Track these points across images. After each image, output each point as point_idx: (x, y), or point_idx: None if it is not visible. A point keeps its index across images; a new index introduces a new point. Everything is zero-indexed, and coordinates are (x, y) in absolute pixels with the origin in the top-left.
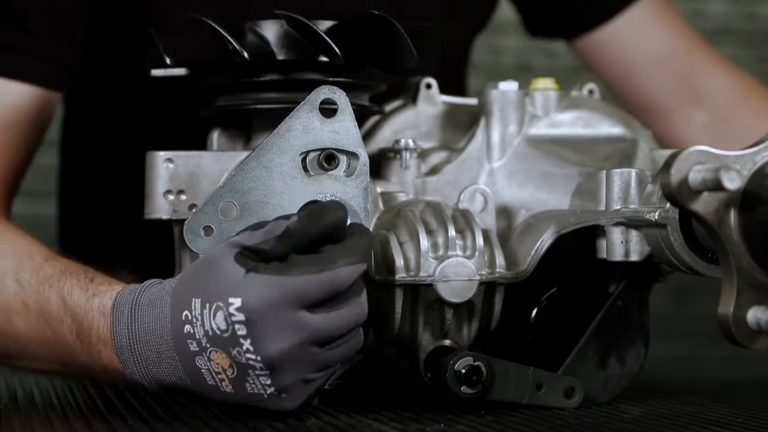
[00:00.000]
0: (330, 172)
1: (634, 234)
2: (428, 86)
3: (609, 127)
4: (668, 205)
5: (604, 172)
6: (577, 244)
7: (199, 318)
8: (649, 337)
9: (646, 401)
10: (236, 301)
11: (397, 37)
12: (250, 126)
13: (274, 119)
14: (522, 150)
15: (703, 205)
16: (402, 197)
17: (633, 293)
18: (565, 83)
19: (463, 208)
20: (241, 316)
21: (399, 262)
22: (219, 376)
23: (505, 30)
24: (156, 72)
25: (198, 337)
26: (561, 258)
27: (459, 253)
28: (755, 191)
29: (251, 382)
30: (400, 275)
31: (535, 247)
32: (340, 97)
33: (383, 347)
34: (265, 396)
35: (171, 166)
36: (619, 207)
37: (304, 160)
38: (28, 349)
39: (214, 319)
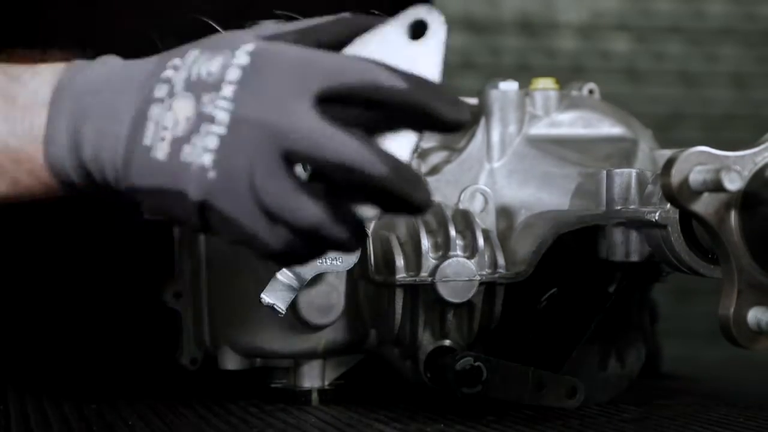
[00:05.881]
0: None
1: (634, 234)
2: None
3: (609, 127)
4: (669, 205)
5: (605, 172)
6: (577, 244)
7: (188, 64)
8: (649, 337)
9: (646, 401)
10: (249, 46)
11: None
12: None
13: None
14: (522, 150)
15: (704, 205)
16: None
17: (633, 293)
18: (565, 83)
19: (463, 208)
20: (245, 60)
21: (399, 262)
22: (162, 133)
23: (505, 30)
24: None
25: (174, 81)
26: (561, 258)
27: (459, 253)
28: (756, 192)
29: (194, 143)
30: (401, 275)
31: (535, 247)
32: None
33: (383, 347)
34: (193, 168)
35: None
36: (619, 207)
37: None
38: None
39: (208, 63)
